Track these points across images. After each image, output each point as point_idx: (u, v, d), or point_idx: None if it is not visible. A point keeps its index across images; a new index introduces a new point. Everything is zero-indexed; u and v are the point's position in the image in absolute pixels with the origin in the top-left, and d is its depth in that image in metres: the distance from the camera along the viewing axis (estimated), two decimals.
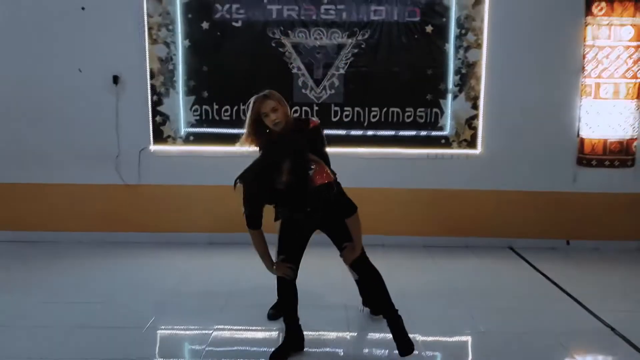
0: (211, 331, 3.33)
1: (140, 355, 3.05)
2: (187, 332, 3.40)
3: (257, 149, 3.27)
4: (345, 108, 4.91)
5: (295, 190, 2.73)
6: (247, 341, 3.30)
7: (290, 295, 3.07)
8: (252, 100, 3.26)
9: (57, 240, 5.02)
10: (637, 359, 3.05)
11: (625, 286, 4.21)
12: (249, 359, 3.07)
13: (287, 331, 3.07)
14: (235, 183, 2.84)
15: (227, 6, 4.82)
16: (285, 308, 3.12)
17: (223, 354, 3.12)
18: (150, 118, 4.93)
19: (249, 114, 3.23)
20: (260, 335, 3.33)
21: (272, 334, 3.30)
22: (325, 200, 2.79)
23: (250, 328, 3.41)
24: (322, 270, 3.99)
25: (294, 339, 3.06)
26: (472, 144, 4.97)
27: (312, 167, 2.76)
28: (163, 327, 3.44)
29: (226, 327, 3.43)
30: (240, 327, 3.43)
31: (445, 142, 4.97)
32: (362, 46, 4.84)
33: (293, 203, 2.83)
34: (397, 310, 3.00)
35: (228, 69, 4.89)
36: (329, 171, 2.85)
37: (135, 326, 3.38)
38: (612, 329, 3.40)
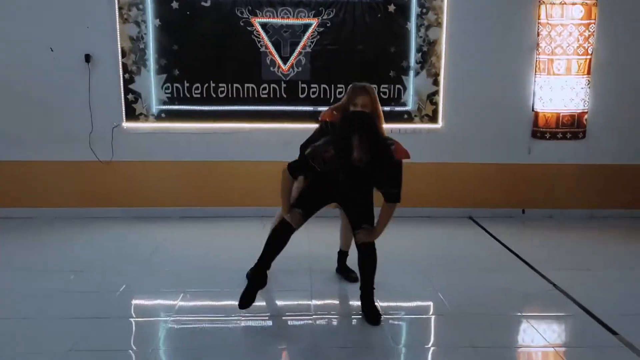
0: (181, 293, 3.51)
1: (113, 315, 3.23)
2: (159, 294, 3.58)
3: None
4: (312, 85, 5.07)
5: (364, 162, 2.80)
6: (216, 299, 3.47)
7: (282, 241, 3.22)
8: (353, 85, 3.49)
9: (34, 216, 5.12)
10: (574, 311, 3.35)
11: (573, 250, 4.51)
12: (217, 313, 3.27)
13: (253, 272, 3.24)
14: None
15: None
16: (266, 251, 3.22)
17: (193, 309, 3.33)
18: (123, 96, 5.03)
19: (344, 98, 3.45)
20: (229, 295, 3.44)
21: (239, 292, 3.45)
22: (391, 178, 3.05)
23: (219, 290, 3.58)
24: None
25: (259, 278, 3.22)
26: (433, 118, 5.18)
27: (392, 143, 3.01)
28: (135, 291, 3.61)
29: (197, 290, 3.60)
30: (210, 289, 3.61)
31: (408, 117, 5.17)
32: (328, 25, 4.99)
33: (357, 174, 2.89)
34: (374, 288, 3.27)
35: (198, 48, 5.01)
36: (405, 149, 3.10)
37: (108, 291, 3.55)
38: (555, 285, 3.69)
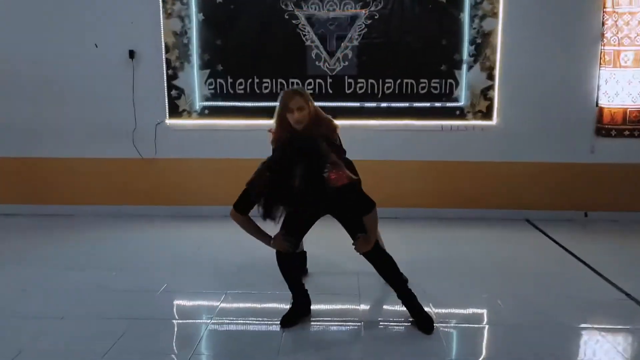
0: (223, 294, 3.39)
1: (153, 315, 3.13)
2: (200, 295, 3.47)
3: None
4: (359, 80, 4.88)
5: (310, 194, 2.59)
6: (257, 302, 3.34)
7: (289, 268, 3.05)
8: (282, 91, 3.30)
9: (76, 214, 5.12)
10: None
11: None
12: (258, 317, 3.13)
13: (293, 298, 3.10)
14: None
15: None
16: (286, 279, 3.09)
17: (234, 311, 3.20)
18: (166, 92, 4.97)
19: (277, 107, 3.22)
20: (271, 297, 3.35)
21: (285, 296, 3.28)
22: (346, 201, 2.75)
23: (261, 292, 3.43)
24: (334, 237, 4.01)
25: (300, 305, 3.09)
26: (487, 115, 4.90)
27: (326, 169, 2.64)
28: (176, 291, 3.51)
29: (239, 291, 3.47)
30: (252, 291, 3.47)
31: (460, 113, 4.91)
32: (375, 17, 4.79)
33: (305, 205, 2.71)
34: (409, 289, 3.02)
35: (242, 42, 4.90)
36: (347, 172, 2.72)
37: (149, 290, 3.46)
38: (628, 295, 3.37)
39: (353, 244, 2.96)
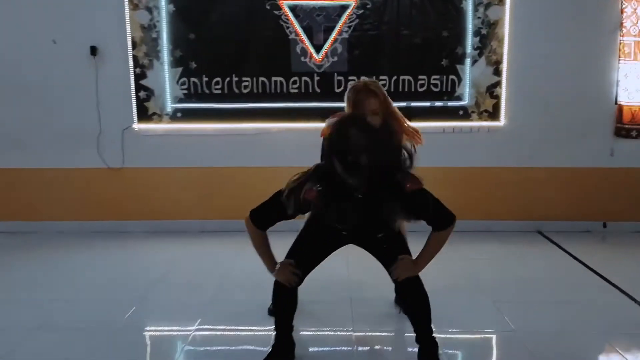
0: (198, 319, 2.98)
1: (119, 341, 2.76)
2: (172, 320, 3.05)
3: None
4: (350, 77, 4.33)
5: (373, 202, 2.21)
6: (232, 341, 2.86)
7: (287, 302, 2.53)
8: (353, 88, 2.86)
9: (35, 231, 4.62)
10: None
11: None
12: (237, 345, 2.75)
13: (276, 339, 2.56)
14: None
15: None
16: (277, 315, 2.57)
17: (202, 354, 2.73)
18: (133, 93, 4.49)
19: (347, 106, 2.84)
20: (247, 334, 2.89)
21: (262, 334, 2.83)
22: (417, 210, 2.31)
23: (237, 327, 2.96)
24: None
25: (283, 349, 2.55)
26: (494, 115, 4.46)
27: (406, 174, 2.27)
28: (145, 316, 3.10)
29: (215, 316, 3.06)
30: (226, 326, 2.99)
31: (464, 113, 4.47)
32: (368, 6, 4.34)
33: (363, 219, 2.28)
34: (434, 337, 2.48)
35: (218, 36, 4.42)
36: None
37: (115, 314, 3.07)
38: None
39: (391, 269, 2.43)
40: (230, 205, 4.63)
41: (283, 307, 2.52)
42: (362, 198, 2.21)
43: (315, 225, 2.45)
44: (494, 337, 2.89)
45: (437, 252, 2.41)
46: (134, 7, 4.36)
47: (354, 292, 3.32)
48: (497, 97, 4.44)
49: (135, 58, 4.44)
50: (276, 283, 2.45)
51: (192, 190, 4.65)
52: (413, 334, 2.47)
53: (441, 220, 2.38)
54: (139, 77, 4.48)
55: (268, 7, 4.35)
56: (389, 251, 2.46)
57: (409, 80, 4.43)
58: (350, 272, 3.61)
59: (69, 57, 4.45)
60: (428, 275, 3.53)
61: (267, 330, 2.77)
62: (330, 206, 2.21)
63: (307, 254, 2.48)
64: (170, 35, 4.42)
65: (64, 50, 4.44)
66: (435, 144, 4.48)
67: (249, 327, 2.93)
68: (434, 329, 2.47)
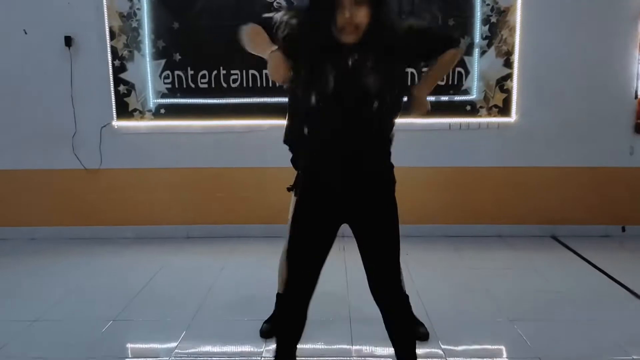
0: (183, 332, 2.71)
1: (96, 356, 2.50)
2: (154, 333, 2.78)
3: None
4: None
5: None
6: (224, 342, 2.63)
7: (295, 321, 2.00)
8: None
9: (4, 237, 4.31)
10: None
11: None
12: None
13: None
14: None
15: None
16: (280, 338, 2.06)
17: (196, 354, 2.49)
18: (112, 88, 4.17)
19: None
20: (240, 336, 2.66)
21: (253, 358, 2.52)
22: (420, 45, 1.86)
23: (224, 347, 2.64)
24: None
25: None
26: (504, 110, 4.15)
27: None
28: (126, 328, 2.82)
29: (202, 329, 2.76)
30: (212, 345, 2.67)
31: (472, 108, 4.15)
32: None
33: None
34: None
35: (204, 25, 4.11)
36: None
37: (93, 327, 2.79)
38: None
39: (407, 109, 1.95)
40: (219, 209, 4.39)
41: (289, 328, 2.03)
42: (352, 65, 1.74)
43: (308, 195, 1.93)
44: (502, 347, 2.61)
45: (444, 73, 2.15)
46: None
47: (353, 310, 2.99)
48: (508, 91, 4.13)
49: (114, 49, 4.12)
50: (282, 296, 2.08)
51: (176, 194, 4.33)
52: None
53: (446, 42, 1.97)
54: (118, 70, 4.16)
55: None
56: (372, 230, 1.90)
57: (412, 72, 4.08)
58: (350, 286, 3.30)
59: (41, 49, 4.14)
60: (431, 287, 3.25)
61: (257, 354, 2.47)
62: (309, 70, 1.77)
63: (310, 254, 1.93)
64: (152, 25, 4.11)
65: (36, 41, 4.13)
66: (441, 142, 4.26)
67: (238, 347, 2.62)
68: (440, 352, 2.16)
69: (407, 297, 2.19)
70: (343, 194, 1.85)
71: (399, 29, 1.81)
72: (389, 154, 1.91)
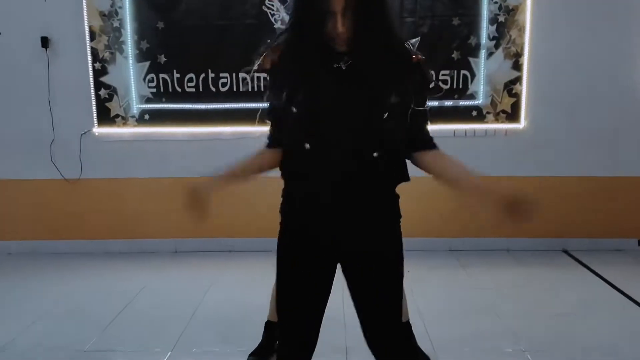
0: (168, 353, 2.52)
1: None
2: (137, 355, 2.58)
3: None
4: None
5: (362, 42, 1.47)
6: None
7: None
8: None
9: None
10: None
11: None
12: None
13: None
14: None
15: None
16: None
17: None
18: (93, 92, 3.93)
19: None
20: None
21: None
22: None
23: (218, 351, 2.49)
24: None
25: None
26: (513, 116, 3.91)
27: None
28: (107, 349, 2.64)
29: (188, 351, 2.58)
30: (206, 351, 2.53)
31: (478, 114, 3.92)
32: None
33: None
34: None
35: (191, 25, 3.87)
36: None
37: (72, 349, 2.62)
38: None
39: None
40: (208, 222, 4.11)
41: None
42: (347, 69, 1.49)
43: (288, 248, 1.64)
44: None
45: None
46: None
47: (350, 338, 2.74)
48: (517, 96, 3.89)
49: (94, 51, 3.88)
50: (278, 345, 1.70)
51: (163, 205, 4.05)
52: None
53: (425, 142, 1.76)
54: (99, 73, 3.91)
55: None
56: (370, 282, 1.60)
57: None
58: (347, 307, 3.07)
59: (15, 50, 3.90)
60: (433, 308, 3.01)
61: None
62: (301, 81, 1.52)
63: (303, 305, 1.63)
64: (135, 24, 3.87)
65: (10, 42, 3.89)
66: (445, 150, 3.98)
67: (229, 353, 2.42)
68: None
69: (409, 326, 1.96)
70: (337, 224, 1.56)
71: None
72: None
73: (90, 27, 3.86)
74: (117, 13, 3.83)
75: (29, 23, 3.85)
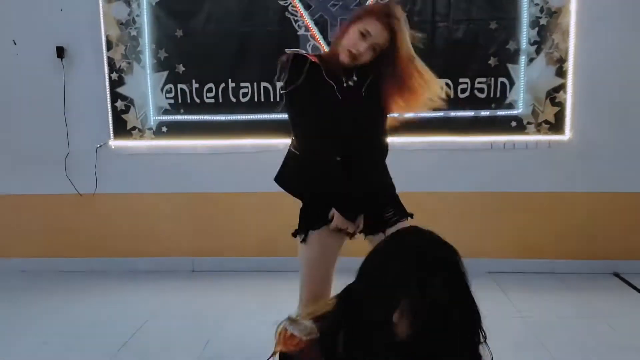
0: None
1: None
2: None
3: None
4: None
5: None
6: None
7: None
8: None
9: None
10: None
11: None
12: None
13: None
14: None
15: None
16: None
17: None
18: (109, 103, 3.80)
19: (338, 34, 2.08)
20: None
21: None
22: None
23: None
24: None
25: None
26: (556, 126, 3.63)
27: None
28: None
29: None
30: None
31: (518, 125, 3.65)
32: None
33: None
34: None
35: (211, 33, 3.71)
36: None
37: None
38: None
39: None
40: (229, 239, 3.97)
41: None
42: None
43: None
44: None
45: None
46: None
47: None
48: (561, 104, 3.61)
49: (111, 61, 3.76)
50: None
51: (181, 222, 3.92)
52: None
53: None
54: (115, 83, 3.79)
55: None
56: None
57: (447, 84, 3.61)
58: None
59: (30, 61, 3.81)
60: None
61: None
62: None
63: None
64: (154, 33, 3.74)
65: (25, 52, 3.81)
66: (482, 163, 3.73)
67: None
68: None
69: None
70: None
71: None
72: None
73: (107, 36, 3.74)
74: (134, 21, 3.71)
75: (44, 32, 3.76)
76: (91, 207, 3.91)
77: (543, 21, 3.54)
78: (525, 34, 3.57)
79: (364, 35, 1.89)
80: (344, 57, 1.93)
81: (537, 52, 3.58)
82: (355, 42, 1.90)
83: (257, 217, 3.87)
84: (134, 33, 3.73)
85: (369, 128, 2.01)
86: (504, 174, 3.72)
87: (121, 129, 3.84)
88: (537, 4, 3.53)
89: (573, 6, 3.51)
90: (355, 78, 1.98)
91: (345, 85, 1.97)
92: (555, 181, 3.69)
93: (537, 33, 3.56)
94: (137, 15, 3.71)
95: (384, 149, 2.10)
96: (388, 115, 2.07)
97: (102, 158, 3.86)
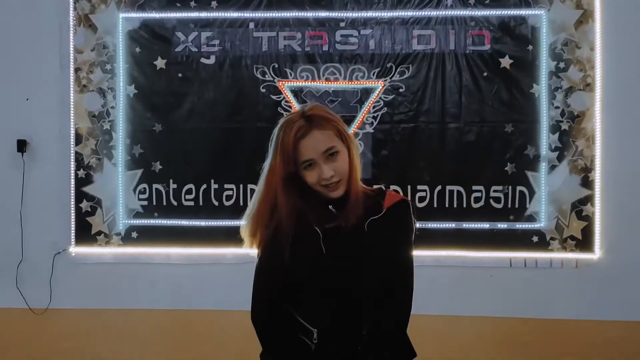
0: None
1: None
2: None
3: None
4: (375, 186, 3.31)
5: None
6: None
7: None
8: (281, 123, 1.63)
9: None
10: None
11: None
12: None
13: None
14: None
15: (193, 35, 3.37)
16: None
17: None
18: (73, 204, 3.42)
19: (271, 151, 1.67)
20: None
21: None
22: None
23: None
24: None
25: None
26: (584, 243, 3.25)
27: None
28: None
29: None
30: None
31: (540, 240, 3.26)
32: (401, 90, 3.29)
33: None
34: None
35: (193, 129, 3.40)
36: None
37: None
38: None
39: None
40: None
41: None
42: None
43: None
44: None
45: None
46: (82, 88, 3.38)
47: None
48: (588, 218, 3.25)
49: (78, 156, 3.41)
50: None
51: (151, 344, 3.44)
52: None
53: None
54: (82, 182, 3.42)
55: (263, 90, 3.33)
56: None
57: (458, 192, 3.28)
58: None
59: None
60: None
61: None
62: None
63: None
64: (129, 127, 3.42)
65: None
66: (499, 284, 3.31)
67: None
68: None
69: None
70: None
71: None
72: None
73: (76, 129, 3.40)
74: (108, 114, 3.38)
75: (4, 124, 3.41)
76: (43, 325, 3.39)
77: (565, 125, 3.24)
78: (545, 139, 3.26)
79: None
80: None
81: (559, 159, 3.26)
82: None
83: (238, 340, 3.38)
84: (107, 126, 3.39)
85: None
86: (525, 296, 3.29)
87: (84, 233, 3.42)
88: (557, 107, 3.24)
89: (597, 110, 3.22)
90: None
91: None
92: (585, 307, 3.26)
93: (558, 138, 3.25)
94: (112, 107, 3.39)
95: None
96: None
97: (60, 267, 3.40)
